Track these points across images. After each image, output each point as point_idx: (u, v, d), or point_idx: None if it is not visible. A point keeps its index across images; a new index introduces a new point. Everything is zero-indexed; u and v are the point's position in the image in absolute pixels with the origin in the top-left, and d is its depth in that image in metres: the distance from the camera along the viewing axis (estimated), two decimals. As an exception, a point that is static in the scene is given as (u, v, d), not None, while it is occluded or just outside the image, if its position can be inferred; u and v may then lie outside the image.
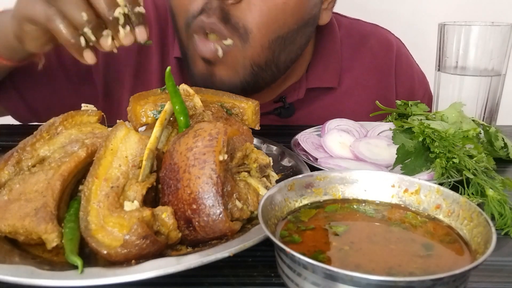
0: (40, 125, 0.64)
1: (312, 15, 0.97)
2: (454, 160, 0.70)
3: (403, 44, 1.26)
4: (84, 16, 0.65)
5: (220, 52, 0.88)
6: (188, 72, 0.98)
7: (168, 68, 0.63)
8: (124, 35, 0.68)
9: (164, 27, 1.12)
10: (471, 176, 0.68)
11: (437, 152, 0.72)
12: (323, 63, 1.12)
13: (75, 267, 0.47)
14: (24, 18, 0.73)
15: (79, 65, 1.07)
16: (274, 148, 0.81)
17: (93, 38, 0.67)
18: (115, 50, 0.70)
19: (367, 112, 0.96)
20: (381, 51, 1.19)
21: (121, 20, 0.67)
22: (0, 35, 0.83)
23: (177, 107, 0.63)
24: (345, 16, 1.22)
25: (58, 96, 1.10)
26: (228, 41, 0.88)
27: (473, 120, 0.88)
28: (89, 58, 0.70)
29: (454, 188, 0.64)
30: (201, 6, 0.87)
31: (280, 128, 1.08)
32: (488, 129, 0.83)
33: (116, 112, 1.11)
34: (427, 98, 1.23)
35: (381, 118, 0.98)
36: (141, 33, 0.69)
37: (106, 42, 0.68)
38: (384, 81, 1.18)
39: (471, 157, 0.72)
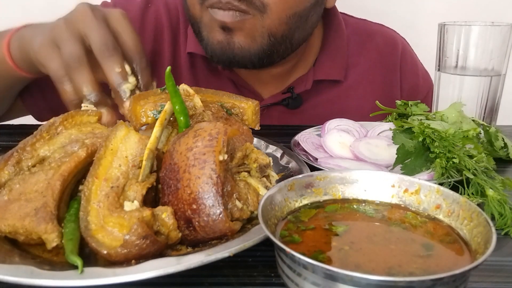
0: (40, 125, 0.64)
1: None
2: (454, 160, 0.70)
3: (408, 43, 1.29)
4: (88, 89, 0.71)
5: (238, 17, 0.94)
6: (204, 44, 1.02)
7: (168, 68, 0.63)
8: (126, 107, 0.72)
9: (175, 25, 1.17)
10: (471, 176, 0.68)
11: (437, 152, 0.72)
12: (330, 57, 1.16)
13: (75, 267, 0.47)
14: (37, 62, 0.77)
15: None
16: (274, 148, 0.81)
17: (93, 108, 0.71)
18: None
19: (372, 106, 0.98)
20: (386, 48, 1.22)
21: (127, 94, 0.73)
22: (21, 49, 0.85)
23: (177, 107, 0.63)
24: (352, 16, 1.27)
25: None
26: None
27: (473, 120, 0.88)
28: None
29: (454, 188, 0.64)
30: None
31: (280, 128, 1.09)
32: (488, 129, 0.83)
33: None
34: (431, 96, 1.24)
35: (382, 118, 0.98)
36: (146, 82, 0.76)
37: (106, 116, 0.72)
38: (389, 77, 1.22)
39: (471, 157, 0.72)
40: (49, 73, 0.74)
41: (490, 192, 0.65)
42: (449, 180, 0.69)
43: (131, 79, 0.73)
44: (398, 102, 0.95)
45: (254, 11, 0.94)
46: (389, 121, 0.93)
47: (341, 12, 1.21)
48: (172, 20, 1.16)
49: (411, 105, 0.93)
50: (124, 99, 0.72)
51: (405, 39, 1.29)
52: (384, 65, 1.21)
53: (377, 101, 0.95)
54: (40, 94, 1.09)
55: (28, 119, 1.16)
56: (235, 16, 0.94)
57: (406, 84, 1.23)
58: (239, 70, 1.13)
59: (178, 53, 1.15)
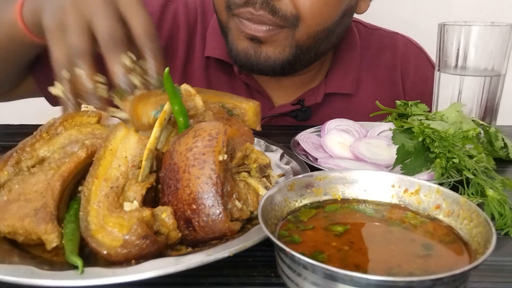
0: (41, 125, 0.64)
1: (350, 6, 1.04)
2: (454, 160, 0.70)
3: (423, 53, 1.27)
4: (86, 87, 0.68)
5: (272, 31, 0.95)
6: (229, 48, 1.03)
7: (167, 69, 0.63)
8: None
9: (193, 27, 1.17)
10: (471, 176, 0.68)
11: (437, 152, 0.72)
12: (342, 69, 1.16)
13: (75, 267, 0.47)
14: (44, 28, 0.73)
15: None
16: (274, 148, 0.81)
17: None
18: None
19: (371, 119, 0.98)
20: (393, 66, 1.22)
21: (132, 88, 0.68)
22: (33, 14, 0.81)
23: (176, 107, 0.62)
24: (364, 25, 1.26)
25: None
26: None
27: (473, 120, 0.88)
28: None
29: (454, 188, 0.64)
30: None
31: (280, 128, 1.09)
32: (488, 129, 0.83)
33: None
34: None
35: (382, 118, 0.98)
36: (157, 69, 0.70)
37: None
38: (397, 93, 1.21)
39: (471, 157, 0.72)
40: (51, 60, 0.71)
41: (490, 192, 0.65)
42: (449, 180, 0.69)
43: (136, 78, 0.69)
44: (398, 102, 0.95)
45: (288, 25, 0.94)
46: (389, 121, 0.93)
47: (353, 20, 1.20)
48: (190, 20, 1.17)
49: (411, 105, 0.93)
50: (128, 96, 0.67)
51: (419, 49, 1.27)
52: (392, 82, 1.21)
53: (377, 101, 0.95)
54: (53, 73, 1.07)
55: (28, 119, 1.16)
56: (269, 31, 0.95)
57: (409, 96, 1.22)
58: (257, 75, 1.13)
59: (193, 54, 1.15)
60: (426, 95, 1.21)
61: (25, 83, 1.08)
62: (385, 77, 1.21)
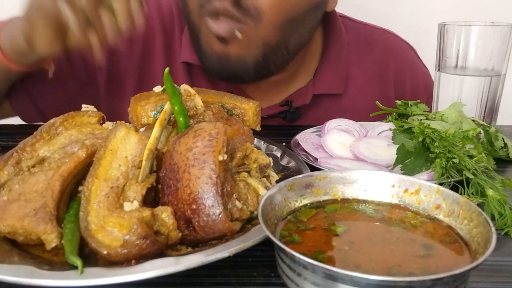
0: (41, 125, 0.64)
1: None
2: (454, 160, 0.70)
3: (412, 49, 1.26)
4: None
5: (237, 33, 0.91)
6: (203, 56, 1.00)
7: (167, 69, 0.63)
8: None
9: (170, 31, 1.13)
10: (471, 176, 0.68)
11: (437, 152, 0.72)
12: (330, 68, 1.13)
13: (75, 267, 0.47)
14: (34, 8, 0.77)
15: (87, 64, 1.08)
16: (274, 148, 0.81)
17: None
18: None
19: (371, 119, 0.97)
20: (384, 62, 1.19)
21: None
22: (11, 40, 0.85)
23: (176, 107, 0.63)
24: (352, 20, 1.23)
25: (66, 97, 1.10)
26: (237, 33, 0.91)
27: (473, 120, 0.88)
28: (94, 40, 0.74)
29: (454, 188, 0.64)
30: None
31: (280, 128, 1.08)
32: (488, 129, 0.83)
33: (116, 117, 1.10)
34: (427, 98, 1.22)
35: (381, 118, 0.98)
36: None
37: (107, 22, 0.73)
38: (386, 91, 1.19)
39: (471, 157, 0.72)
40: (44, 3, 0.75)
41: (490, 192, 0.65)
42: (449, 180, 0.69)
43: None
44: (398, 102, 0.95)
45: (249, 20, 0.91)
46: (389, 121, 0.93)
47: (340, 15, 1.18)
48: (165, 24, 1.12)
49: (411, 105, 0.93)
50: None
51: (409, 45, 1.26)
52: (382, 79, 1.19)
53: (377, 101, 0.95)
54: (25, 94, 1.08)
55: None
56: (231, 28, 0.91)
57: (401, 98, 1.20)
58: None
59: (173, 60, 1.11)
60: (420, 91, 1.20)
61: (3, 106, 1.10)
62: (374, 73, 1.18)
